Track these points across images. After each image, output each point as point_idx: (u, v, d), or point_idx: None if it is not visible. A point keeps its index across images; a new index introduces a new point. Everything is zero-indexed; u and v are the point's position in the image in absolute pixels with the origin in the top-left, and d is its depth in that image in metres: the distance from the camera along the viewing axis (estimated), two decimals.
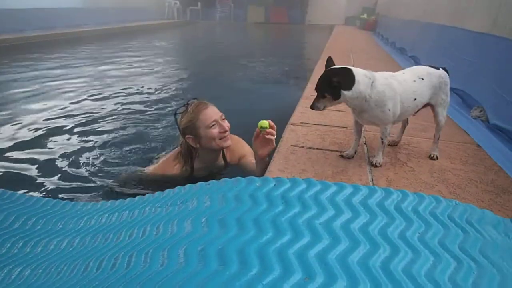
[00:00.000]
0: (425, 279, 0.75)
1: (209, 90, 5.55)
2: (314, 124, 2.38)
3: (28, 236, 1.12)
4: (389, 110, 1.67)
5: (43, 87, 5.47)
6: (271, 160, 1.81)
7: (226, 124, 1.94)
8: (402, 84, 1.73)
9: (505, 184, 1.71)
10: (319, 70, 4.59)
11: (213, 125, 1.88)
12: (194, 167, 2.03)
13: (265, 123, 1.77)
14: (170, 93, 5.11)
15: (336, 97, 1.61)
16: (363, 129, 1.92)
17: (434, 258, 0.82)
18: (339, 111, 2.69)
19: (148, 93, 5.13)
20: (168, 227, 0.96)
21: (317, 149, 1.97)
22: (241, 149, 2.14)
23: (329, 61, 1.76)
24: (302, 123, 2.39)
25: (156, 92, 5.12)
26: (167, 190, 1.24)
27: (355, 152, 1.90)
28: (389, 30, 9.22)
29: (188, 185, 1.21)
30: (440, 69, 1.85)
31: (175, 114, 1.94)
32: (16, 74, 6.41)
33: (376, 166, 1.78)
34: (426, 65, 1.88)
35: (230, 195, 1.09)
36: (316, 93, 1.66)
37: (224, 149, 2.05)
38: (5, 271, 0.96)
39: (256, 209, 1.00)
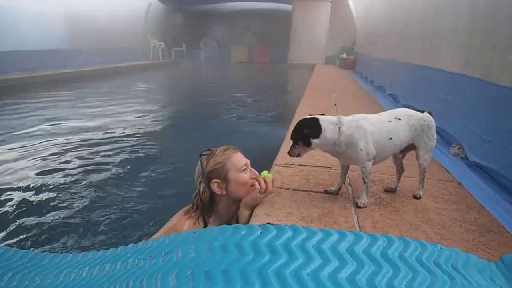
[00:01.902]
0: None
1: (193, 130, 5.58)
2: (299, 165, 2.40)
3: None
4: (361, 150, 1.74)
5: (22, 130, 5.41)
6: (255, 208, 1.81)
7: (254, 171, 1.83)
8: (375, 125, 1.80)
9: (487, 223, 1.74)
10: (301, 110, 4.70)
11: (245, 169, 1.78)
12: (209, 223, 1.79)
13: (268, 175, 1.80)
14: (153, 137, 5.11)
15: (307, 144, 1.75)
16: (348, 169, 1.98)
17: None
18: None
19: (129, 136, 5.11)
20: (152, 281, 0.94)
21: (302, 190, 1.97)
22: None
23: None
24: (286, 164, 2.41)
25: (138, 136, 5.11)
26: (151, 240, 1.21)
27: (339, 189, 1.97)
28: (368, 69, 9.58)
29: (173, 234, 1.19)
30: (425, 112, 1.92)
31: (201, 155, 1.78)
32: None
33: (360, 207, 1.79)
34: (412, 108, 1.95)
35: (216, 245, 1.07)
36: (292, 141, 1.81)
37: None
38: None
39: (243, 260, 0.98)
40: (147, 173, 3.67)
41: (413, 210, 1.81)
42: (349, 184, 2.13)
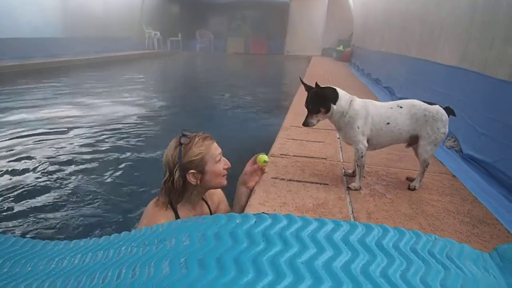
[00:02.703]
0: None
1: (188, 119, 5.54)
2: (294, 156, 2.39)
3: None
4: (358, 127, 1.87)
5: (15, 117, 5.34)
6: (252, 194, 1.79)
7: (226, 161, 1.79)
8: (377, 108, 1.90)
9: (480, 215, 1.75)
10: (297, 101, 4.67)
11: (220, 160, 1.74)
12: (178, 210, 1.76)
13: (266, 157, 1.86)
14: (149, 125, 5.07)
15: (328, 109, 1.85)
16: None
17: None
18: (319, 142, 2.72)
19: (122, 124, 5.07)
20: (145, 269, 0.93)
21: (297, 181, 1.97)
22: (219, 193, 1.98)
23: (301, 80, 1.99)
24: (282, 154, 2.40)
25: (134, 125, 5.07)
26: (144, 228, 1.20)
27: (353, 172, 2.06)
28: (364, 62, 9.56)
29: (166, 223, 1.18)
30: (436, 105, 1.93)
31: (180, 144, 1.70)
32: None
33: (350, 188, 1.89)
34: (423, 101, 1.94)
35: (210, 233, 1.06)
36: (309, 111, 1.87)
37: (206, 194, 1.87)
38: None
39: (237, 248, 0.98)
40: (139, 160, 3.66)
41: (407, 201, 1.81)
42: (344, 174, 2.13)
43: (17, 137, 4.38)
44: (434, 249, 1.01)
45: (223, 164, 1.74)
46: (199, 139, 1.70)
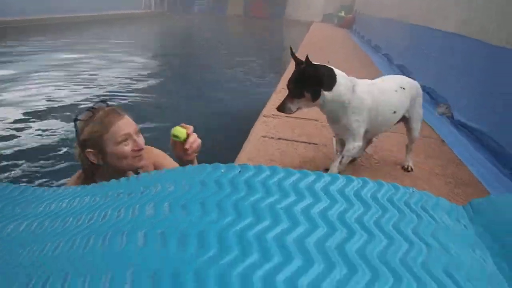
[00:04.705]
0: (377, 259, 0.78)
1: (183, 84, 5.48)
2: (286, 117, 2.40)
3: None
4: (359, 121, 1.53)
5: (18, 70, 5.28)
6: (241, 149, 1.82)
7: (141, 139, 1.59)
8: (383, 94, 1.61)
9: (464, 177, 1.79)
10: (292, 67, 4.63)
11: (125, 141, 1.52)
12: None
13: (180, 131, 1.40)
14: (141, 87, 5.02)
15: (315, 97, 1.46)
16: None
17: (388, 241, 0.85)
18: None
19: (114, 87, 5.02)
20: (129, 211, 0.96)
21: (286, 140, 1.99)
22: (160, 164, 1.78)
23: (293, 53, 1.60)
24: (274, 115, 2.41)
25: (127, 85, 5.03)
26: (132, 176, 1.23)
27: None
28: (365, 28, 9.37)
29: (153, 171, 1.21)
30: (414, 80, 1.85)
31: (75, 120, 1.53)
32: None
33: (326, 169, 1.68)
34: (404, 70, 1.91)
35: (195, 180, 1.09)
36: (289, 92, 1.48)
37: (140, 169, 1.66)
38: None
39: (220, 194, 1.01)
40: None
41: (393, 162, 1.86)
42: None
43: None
44: (410, 200, 1.05)
45: (131, 146, 1.53)
46: (102, 114, 1.52)
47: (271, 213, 0.92)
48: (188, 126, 1.42)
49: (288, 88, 1.49)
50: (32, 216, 1.08)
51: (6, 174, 2.43)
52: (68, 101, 4.12)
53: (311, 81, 1.46)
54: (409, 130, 1.81)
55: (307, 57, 1.49)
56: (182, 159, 1.50)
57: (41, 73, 5.48)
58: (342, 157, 1.59)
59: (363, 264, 0.76)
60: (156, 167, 1.73)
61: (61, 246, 0.85)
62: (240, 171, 1.15)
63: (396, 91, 1.65)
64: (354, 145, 1.56)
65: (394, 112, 1.62)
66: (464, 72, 2.80)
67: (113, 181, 1.25)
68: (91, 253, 0.79)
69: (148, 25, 14.36)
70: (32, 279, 0.74)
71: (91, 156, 1.53)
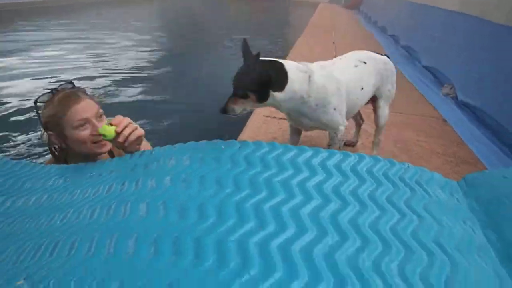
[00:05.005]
0: (369, 228, 0.81)
1: (185, 65, 5.48)
2: None
3: None
4: (335, 109, 1.32)
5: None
6: (244, 128, 1.85)
7: (103, 124, 1.43)
8: (344, 72, 1.43)
9: (465, 155, 1.81)
10: (296, 50, 4.58)
11: (83, 126, 1.42)
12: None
13: (107, 130, 1.25)
14: (144, 68, 5.03)
15: (262, 99, 1.24)
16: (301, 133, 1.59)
17: (380, 212, 0.88)
18: None
19: (119, 67, 5.05)
20: (132, 184, 1.00)
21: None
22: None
23: (246, 45, 1.26)
24: None
25: (125, 69, 5.04)
26: (136, 152, 1.27)
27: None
28: (372, 9, 9.22)
29: (156, 148, 1.24)
30: (384, 55, 1.64)
31: (36, 102, 1.48)
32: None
33: None
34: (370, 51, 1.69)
35: (196, 157, 1.12)
36: (233, 91, 1.25)
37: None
38: None
39: (220, 169, 1.04)
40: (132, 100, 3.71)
41: (394, 141, 1.87)
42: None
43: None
44: (405, 175, 1.07)
45: (90, 130, 1.42)
46: (61, 96, 1.45)
47: (267, 186, 0.96)
48: (118, 120, 1.28)
49: (234, 87, 1.25)
50: (41, 190, 1.13)
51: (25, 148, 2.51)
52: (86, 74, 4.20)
53: (257, 82, 1.21)
54: (375, 110, 1.63)
55: (257, 54, 1.22)
56: (125, 151, 1.35)
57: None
58: (335, 144, 1.43)
59: (354, 232, 0.80)
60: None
61: (68, 217, 0.90)
62: (239, 147, 1.19)
63: (356, 66, 1.49)
64: (338, 130, 1.40)
65: (362, 88, 1.47)
66: (466, 51, 2.78)
67: (117, 158, 1.30)
68: (96, 222, 0.83)
69: (148, 6, 14.24)
70: (42, 246, 0.79)
71: (53, 139, 1.47)
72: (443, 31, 3.49)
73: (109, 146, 1.45)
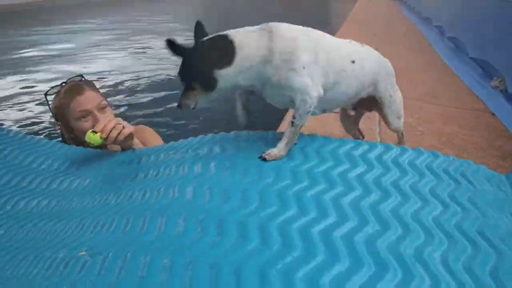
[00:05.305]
0: (411, 218, 0.81)
1: None
2: None
3: (47, 173, 1.24)
4: (304, 68, 1.01)
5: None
6: (283, 119, 1.87)
7: (105, 116, 1.47)
8: (329, 40, 1.12)
9: None
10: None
11: (85, 117, 1.47)
12: None
13: (92, 139, 1.24)
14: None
15: (209, 86, 0.99)
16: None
17: (422, 203, 0.88)
18: None
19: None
20: (179, 169, 1.05)
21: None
22: (147, 140, 1.62)
23: (198, 28, 1.06)
24: None
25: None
26: (181, 140, 1.32)
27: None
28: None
29: (200, 136, 1.29)
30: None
31: (46, 94, 1.54)
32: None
33: (266, 159, 1.06)
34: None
35: (240, 146, 1.16)
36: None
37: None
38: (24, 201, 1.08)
39: (277, 162, 1.06)
40: None
41: (438, 134, 1.82)
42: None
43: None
44: (449, 167, 1.05)
45: (92, 122, 1.46)
46: (65, 89, 1.50)
47: (309, 176, 0.97)
48: (101, 127, 1.25)
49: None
50: (93, 173, 1.21)
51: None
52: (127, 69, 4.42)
53: (192, 68, 0.99)
54: (384, 118, 1.31)
55: (198, 27, 1.05)
56: (122, 147, 1.37)
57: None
58: (292, 124, 1.07)
59: (396, 222, 0.80)
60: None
61: (121, 198, 0.97)
62: (279, 138, 1.22)
63: (349, 42, 1.20)
64: (308, 94, 1.03)
65: (353, 61, 1.11)
66: None
67: (165, 144, 1.36)
68: (147, 203, 0.89)
69: (185, 2, 14.47)
70: (99, 222, 0.86)
71: (63, 130, 1.53)
72: (494, 21, 3.31)
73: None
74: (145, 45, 6.45)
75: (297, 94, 1.02)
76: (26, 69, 4.85)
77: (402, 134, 1.39)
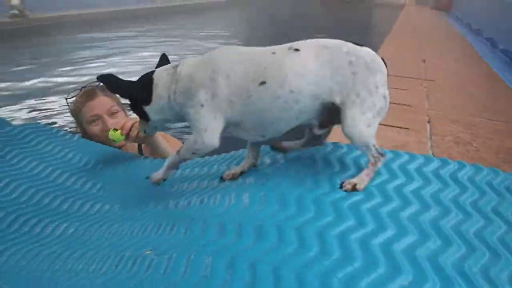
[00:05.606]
0: (474, 236, 0.79)
1: None
2: None
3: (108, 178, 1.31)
4: (202, 105, 0.94)
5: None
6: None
7: (116, 121, 1.51)
8: (237, 55, 0.99)
9: None
10: (381, 53, 4.44)
11: (95, 121, 1.55)
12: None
13: (114, 136, 1.33)
14: None
15: (145, 117, 1.03)
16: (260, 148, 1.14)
17: (485, 221, 0.85)
18: (403, 90, 2.64)
19: None
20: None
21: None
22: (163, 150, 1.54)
23: (163, 59, 1.12)
24: None
25: None
26: (232, 152, 1.35)
27: (241, 173, 1.10)
28: (464, 10, 8.55)
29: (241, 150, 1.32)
30: (364, 47, 1.05)
31: (67, 98, 1.62)
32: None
33: (151, 179, 1.07)
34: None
35: (291, 156, 1.18)
36: None
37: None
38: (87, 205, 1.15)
39: (317, 169, 1.08)
40: None
41: (495, 151, 1.74)
42: (428, 122, 2.08)
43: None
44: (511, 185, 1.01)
45: (101, 126, 1.53)
46: (81, 94, 1.58)
47: (381, 193, 0.96)
48: (120, 126, 1.32)
49: None
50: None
51: None
52: None
53: (130, 101, 1.05)
54: (342, 123, 1.02)
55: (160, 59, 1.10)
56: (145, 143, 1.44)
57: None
58: (178, 151, 1.03)
59: (458, 238, 0.78)
60: (157, 150, 1.55)
61: (180, 204, 1.01)
62: (332, 149, 1.22)
63: (273, 53, 0.97)
64: (200, 138, 0.96)
65: (263, 82, 0.93)
66: None
67: (216, 156, 1.40)
68: (205, 208, 0.93)
69: (232, 13, 14.81)
70: (161, 225, 0.90)
71: (81, 131, 1.62)
72: None
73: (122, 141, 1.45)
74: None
75: (193, 131, 0.97)
76: None
77: (373, 151, 1.04)
